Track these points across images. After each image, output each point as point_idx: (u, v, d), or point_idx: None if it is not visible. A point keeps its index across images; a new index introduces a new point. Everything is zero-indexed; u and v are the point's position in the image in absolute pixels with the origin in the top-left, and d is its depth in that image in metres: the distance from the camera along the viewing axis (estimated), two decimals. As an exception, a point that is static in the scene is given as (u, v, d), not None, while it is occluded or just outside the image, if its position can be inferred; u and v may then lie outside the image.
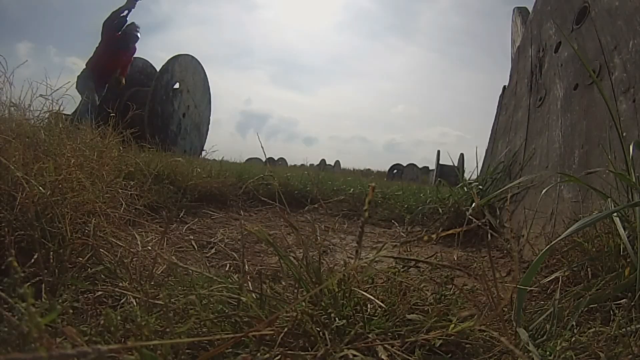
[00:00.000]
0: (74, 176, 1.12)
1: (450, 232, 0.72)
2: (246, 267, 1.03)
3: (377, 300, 0.76)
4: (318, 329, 0.67)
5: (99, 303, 0.85)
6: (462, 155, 6.50)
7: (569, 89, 2.04)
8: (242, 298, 0.72)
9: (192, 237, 1.71)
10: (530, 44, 2.83)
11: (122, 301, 0.84)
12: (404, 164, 14.31)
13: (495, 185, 2.61)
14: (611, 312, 0.87)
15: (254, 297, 0.74)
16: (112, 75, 4.76)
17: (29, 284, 0.62)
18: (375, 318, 0.75)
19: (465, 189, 2.62)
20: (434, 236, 0.67)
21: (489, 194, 2.44)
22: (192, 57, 6.62)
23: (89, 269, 0.98)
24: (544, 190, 1.51)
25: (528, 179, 2.10)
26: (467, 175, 2.99)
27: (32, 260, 0.81)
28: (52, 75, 1.45)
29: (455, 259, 1.78)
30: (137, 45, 4.99)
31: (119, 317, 0.60)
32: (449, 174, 7.77)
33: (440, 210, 2.60)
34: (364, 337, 0.67)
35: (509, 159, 2.67)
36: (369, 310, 0.78)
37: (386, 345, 0.65)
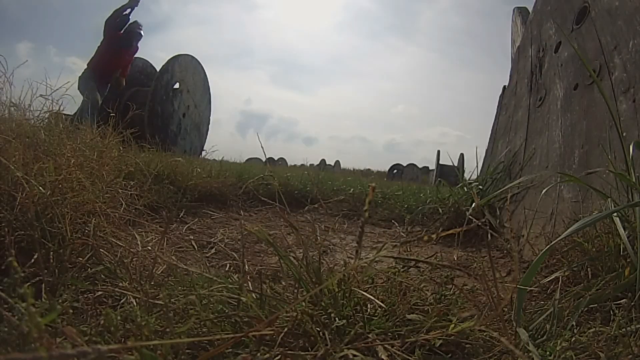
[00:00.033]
0: (74, 176, 1.12)
1: (450, 232, 0.72)
2: (246, 267, 1.03)
3: (377, 300, 0.76)
4: (318, 329, 0.67)
5: (99, 303, 0.85)
6: (462, 155, 6.50)
7: (569, 89, 2.04)
8: (242, 298, 0.72)
9: (192, 237, 1.71)
10: (530, 44, 2.83)
11: (122, 301, 0.84)
12: (404, 164, 14.32)
13: (495, 185, 2.61)
14: (611, 312, 0.87)
15: (254, 297, 0.74)
16: (114, 74, 4.74)
17: (29, 284, 0.62)
18: (375, 318, 0.75)
19: (465, 189, 2.62)
20: (434, 236, 0.67)
21: (489, 194, 2.44)
22: (192, 57, 6.62)
23: (89, 269, 0.98)
24: (544, 190, 1.51)
25: (528, 179, 2.10)
26: (467, 175, 2.99)
27: (32, 260, 0.81)
28: (52, 75, 1.45)
29: (455, 259, 1.78)
30: (139, 44, 4.97)
31: (119, 317, 0.60)
32: (449, 174, 7.78)
33: (440, 210, 2.60)
34: (364, 337, 0.67)
35: (509, 159, 2.67)
36: (369, 310, 0.78)
37: (386, 345, 0.65)
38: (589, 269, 1.11)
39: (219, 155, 4.88)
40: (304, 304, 0.71)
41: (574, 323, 0.80)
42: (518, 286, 0.78)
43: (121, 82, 4.83)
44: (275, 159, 13.30)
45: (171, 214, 2.06)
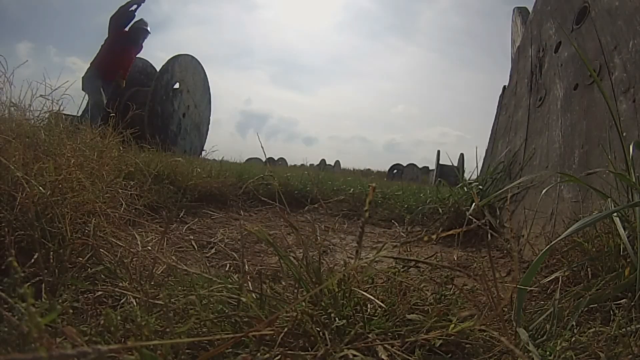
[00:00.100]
0: (74, 176, 1.12)
1: (450, 232, 0.72)
2: (246, 267, 1.03)
3: (377, 300, 0.76)
4: (318, 329, 0.67)
5: (99, 303, 0.85)
6: (462, 155, 6.50)
7: (569, 89, 2.04)
8: (242, 298, 0.72)
9: (192, 237, 1.71)
10: (530, 44, 2.83)
11: (122, 301, 0.84)
12: (404, 164, 14.32)
13: (495, 185, 2.61)
14: (611, 312, 0.87)
15: (254, 297, 0.74)
16: (120, 72, 4.64)
17: (29, 284, 0.62)
18: (375, 318, 0.75)
19: (465, 189, 2.62)
20: (434, 236, 0.67)
21: (489, 194, 2.44)
22: (192, 57, 6.62)
23: (89, 269, 0.98)
24: (544, 190, 1.51)
25: (528, 179, 2.10)
26: (467, 175, 2.99)
27: (32, 260, 0.81)
28: (52, 75, 1.45)
29: (455, 259, 1.78)
30: (144, 42, 4.89)
31: (119, 317, 0.60)
32: (449, 174, 7.77)
33: (440, 210, 2.60)
34: (364, 337, 0.67)
35: (509, 159, 2.67)
36: (369, 310, 0.78)
37: (386, 345, 0.65)
38: (589, 269, 1.11)
39: (219, 155, 4.88)
40: (304, 304, 0.71)
41: (574, 323, 0.80)
42: (518, 286, 0.78)
43: (121, 82, 4.80)
44: (275, 159, 13.30)
45: (171, 214, 2.06)
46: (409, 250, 1.40)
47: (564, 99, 2.07)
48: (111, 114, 1.84)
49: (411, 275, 1.09)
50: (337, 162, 15.89)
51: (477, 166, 2.93)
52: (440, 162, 10.40)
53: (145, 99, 5.58)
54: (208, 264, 1.19)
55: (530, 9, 3.14)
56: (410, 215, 2.78)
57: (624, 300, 0.89)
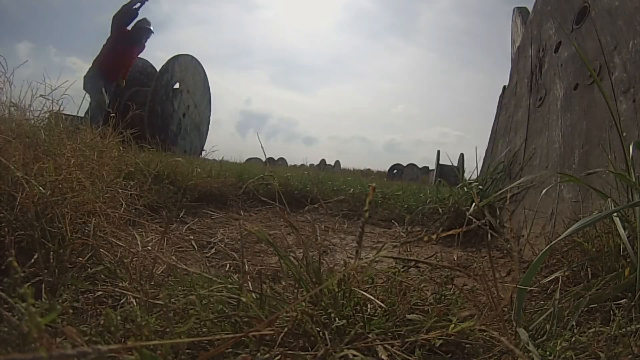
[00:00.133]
0: (74, 176, 1.12)
1: (450, 232, 0.72)
2: (246, 267, 1.03)
3: (377, 300, 0.76)
4: (318, 329, 0.67)
5: (99, 303, 0.85)
6: (462, 155, 6.50)
7: (569, 89, 2.04)
8: (242, 298, 0.72)
9: (192, 237, 1.71)
10: (530, 44, 2.83)
11: (122, 301, 0.84)
12: (404, 164, 14.32)
13: (495, 185, 2.61)
14: (611, 312, 0.87)
15: (254, 297, 0.74)
16: (122, 71, 4.60)
17: (29, 284, 0.62)
18: (375, 318, 0.75)
19: (465, 189, 2.62)
20: (434, 236, 0.67)
21: (489, 194, 2.44)
22: (192, 57, 6.62)
23: (89, 269, 0.98)
24: (544, 190, 1.51)
25: (528, 179, 2.10)
26: (467, 175, 2.99)
27: (32, 260, 0.81)
28: (52, 75, 1.45)
29: (455, 259, 1.78)
30: (147, 41, 4.85)
31: (119, 317, 0.60)
32: (449, 174, 7.77)
33: (440, 210, 2.60)
34: (364, 337, 0.67)
35: (509, 159, 2.67)
36: (369, 310, 0.78)
37: (386, 345, 0.65)
38: (589, 269, 1.11)
39: (219, 155, 4.87)
40: (304, 304, 0.71)
41: (574, 323, 0.80)
42: (518, 286, 0.78)
43: (121, 82, 4.79)
44: (275, 159, 13.30)
45: (171, 214, 2.06)
46: (409, 250, 1.40)
47: (564, 99, 2.07)
48: (111, 114, 1.84)
49: (411, 275, 1.09)
50: (337, 162, 15.89)
51: (477, 166, 2.94)
52: (440, 162, 10.40)
53: (145, 99, 5.58)
54: (208, 264, 1.19)
55: (530, 9, 3.14)
56: (410, 215, 2.78)
57: (624, 300, 0.89)
